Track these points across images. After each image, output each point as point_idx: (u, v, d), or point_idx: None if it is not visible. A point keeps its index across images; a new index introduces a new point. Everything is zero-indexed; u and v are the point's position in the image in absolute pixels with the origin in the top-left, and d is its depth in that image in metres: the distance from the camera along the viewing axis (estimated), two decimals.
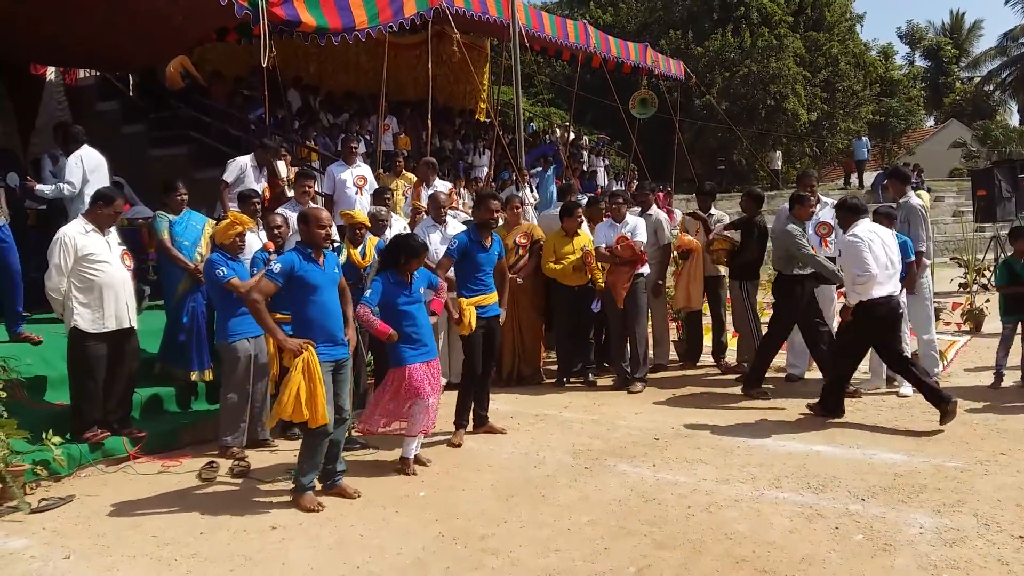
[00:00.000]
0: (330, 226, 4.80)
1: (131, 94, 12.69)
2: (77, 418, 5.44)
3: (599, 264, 7.50)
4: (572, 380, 7.75)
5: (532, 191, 10.97)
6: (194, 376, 6.27)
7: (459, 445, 5.81)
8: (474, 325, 5.81)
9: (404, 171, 9.42)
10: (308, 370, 4.45)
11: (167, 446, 5.84)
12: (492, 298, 6.07)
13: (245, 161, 8.17)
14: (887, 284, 5.94)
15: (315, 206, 4.90)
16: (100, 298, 5.41)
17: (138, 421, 5.92)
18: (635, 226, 7.50)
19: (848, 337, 6.17)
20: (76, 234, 5.43)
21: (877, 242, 5.97)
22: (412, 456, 5.24)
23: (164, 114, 11.74)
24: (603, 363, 8.11)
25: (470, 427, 6.07)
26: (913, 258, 6.75)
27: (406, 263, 5.20)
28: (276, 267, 4.53)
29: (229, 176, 8.05)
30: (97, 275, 5.41)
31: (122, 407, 5.71)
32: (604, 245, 7.36)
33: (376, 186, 8.54)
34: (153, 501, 4.77)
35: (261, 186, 8.18)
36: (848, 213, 6.18)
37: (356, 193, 8.45)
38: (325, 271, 4.70)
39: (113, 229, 5.71)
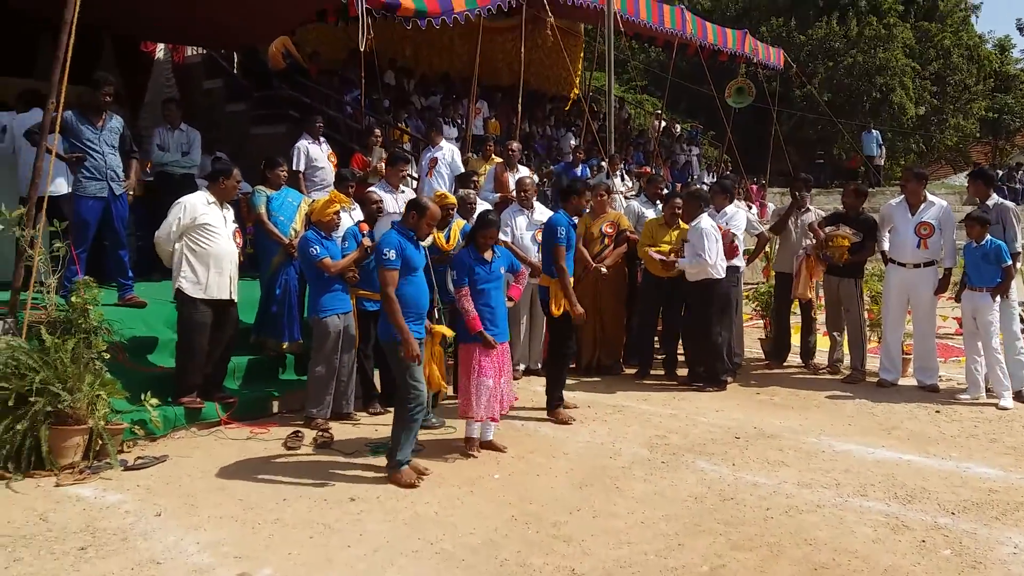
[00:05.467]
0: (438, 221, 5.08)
1: (235, 73, 13.14)
2: (180, 380, 5.71)
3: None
4: (653, 372, 7.67)
5: (623, 179, 10.89)
6: (285, 347, 6.48)
7: (567, 422, 6.01)
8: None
9: (493, 155, 9.48)
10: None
11: (256, 414, 6.05)
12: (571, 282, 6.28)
13: (304, 144, 8.40)
14: None
15: (431, 202, 5.03)
16: (206, 267, 5.70)
17: (231, 388, 6.17)
18: (733, 216, 7.43)
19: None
20: (198, 203, 5.76)
21: None
22: (476, 436, 5.27)
23: (266, 93, 12.11)
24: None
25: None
26: (1010, 262, 6.46)
27: (482, 236, 5.24)
28: (391, 254, 4.65)
29: (300, 165, 8.26)
30: (209, 246, 5.71)
31: (217, 373, 5.97)
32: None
33: (460, 168, 8.68)
34: (240, 466, 4.97)
35: (326, 152, 8.49)
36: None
37: (426, 175, 8.66)
38: (421, 252, 4.88)
39: (230, 208, 5.97)
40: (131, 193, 6.88)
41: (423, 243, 5.95)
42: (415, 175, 8.80)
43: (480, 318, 5.18)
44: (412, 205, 4.92)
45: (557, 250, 6.06)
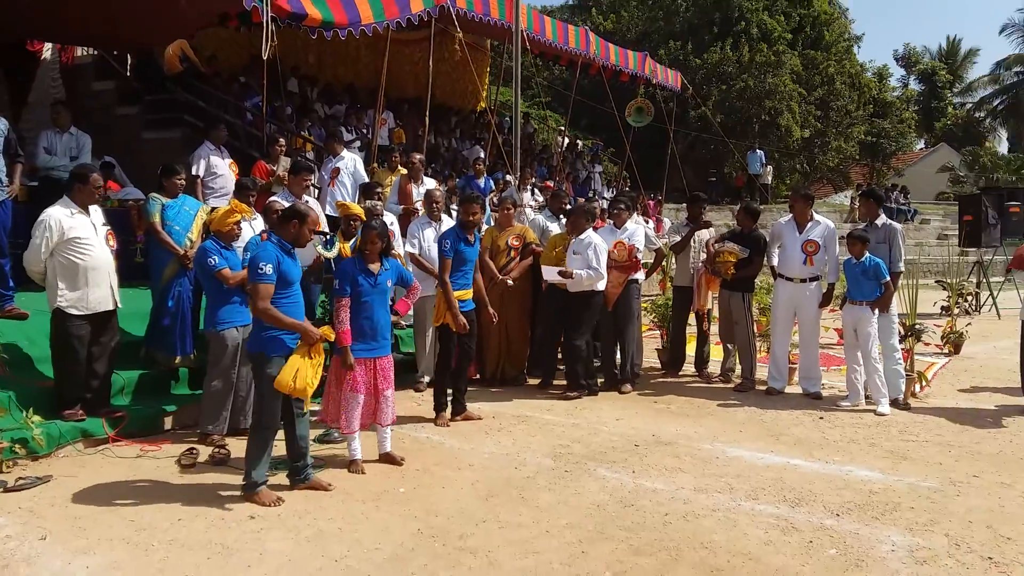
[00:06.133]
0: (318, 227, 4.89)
1: (128, 75, 12.64)
2: (59, 396, 5.43)
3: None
4: (556, 383, 7.78)
5: (533, 194, 11.04)
6: (177, 361, 6.26)
7: (447, 425, 6.23)
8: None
9: (399, 166, 9.44)
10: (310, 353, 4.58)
11: (147, 430, 5.81)
12: (470, 294, 6.37)
13: (205, 151, 8.24)
14: None
15: (307, 206, 4.89)
16: (85, 280, 5.46)
17: (119, 404, 5.90)
18: (633, 232, 7.67)
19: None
20: (62, 216, 5.45)
21: None
22: (358, 457, 5.16)
23: (160, 97, 11.69)
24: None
25: (449, 414, 6.37)
26: (888, 278, 6.88)
27: (364, 243, 5.13)
28: (267, 268, 4.44)
29: (199, 170, 8.07)
30: (83, 258, 5.46)
31: (102, 388, 5.71)
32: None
33: (364, 177, 8.65)
34: (131, 485, 4.76)
35: (227, 162, 8.35)
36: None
37: (328, 185, 8.61)
38: (297, 265, 4.69)
39: (97, 209, 5.71)
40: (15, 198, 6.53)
41: (329, 254, 5.87)
42: (318, 184, 8.67)
43: (358, 332, 5.06)
44: (292, 214, 4.66)
45: (440, 262, 6.21)
